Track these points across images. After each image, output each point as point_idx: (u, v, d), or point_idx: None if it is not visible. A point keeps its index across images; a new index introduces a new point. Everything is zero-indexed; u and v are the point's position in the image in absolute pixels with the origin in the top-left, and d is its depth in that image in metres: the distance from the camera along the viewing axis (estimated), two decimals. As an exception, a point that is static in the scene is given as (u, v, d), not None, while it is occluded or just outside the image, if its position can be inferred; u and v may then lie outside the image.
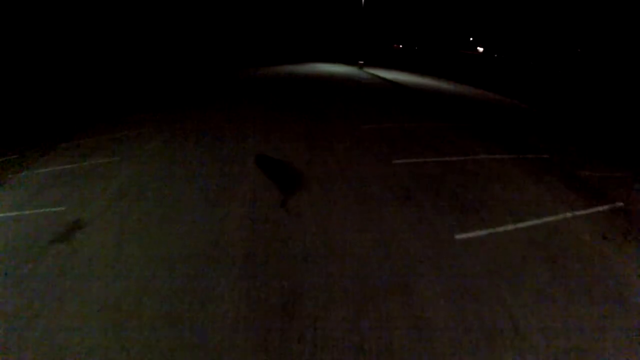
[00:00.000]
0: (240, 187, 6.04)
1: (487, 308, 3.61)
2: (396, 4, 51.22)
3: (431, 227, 4.98)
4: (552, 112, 14.28)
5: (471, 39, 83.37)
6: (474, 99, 15.85)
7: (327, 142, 8.29)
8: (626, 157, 8.33)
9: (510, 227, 5.04)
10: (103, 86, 14.79)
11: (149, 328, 3.33)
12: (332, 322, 3.40)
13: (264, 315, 3.47)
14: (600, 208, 5.67)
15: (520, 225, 5.11)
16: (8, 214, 5.64)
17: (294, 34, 40.22)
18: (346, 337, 3.25)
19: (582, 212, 5.52)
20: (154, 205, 5.56)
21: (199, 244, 4.59)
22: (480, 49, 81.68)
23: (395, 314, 3.52)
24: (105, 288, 3.86)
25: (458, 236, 4.79)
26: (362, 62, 25.16)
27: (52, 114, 11.65)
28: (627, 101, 18.15)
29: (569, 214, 5.43)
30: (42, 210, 5.61)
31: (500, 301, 3.71)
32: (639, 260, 4.47)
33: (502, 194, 5.98)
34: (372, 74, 22.34)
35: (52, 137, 9.14)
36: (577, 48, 43.29)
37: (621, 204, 5.82)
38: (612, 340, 3.32)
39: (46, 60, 17.32)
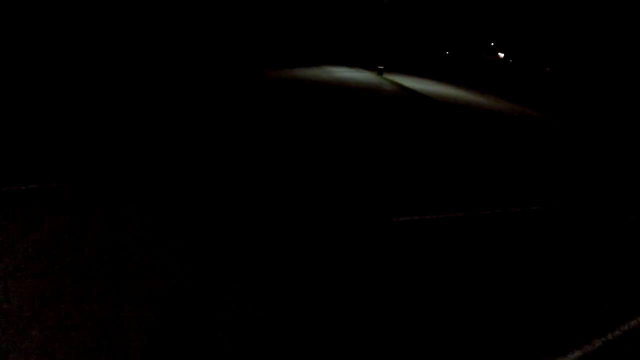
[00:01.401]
0: None
1: None
2: (415, 7, 47.28)
3: None
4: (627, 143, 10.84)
5: (492, 44, 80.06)
6: (540, 128, 12.20)
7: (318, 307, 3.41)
8: None
9: None
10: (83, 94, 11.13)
11: None
12: None
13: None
14: None
15: None
16: None
17: (310, 32, 36.52)
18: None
19: None
20: None
21: None
22: (501, 55, 78.34)
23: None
24: None
25: None
26: (382, 67, 21.55)
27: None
28: None
29: None
30: None
31: None
32: None
33: None
34: (394, 82, 18.74)
35: None
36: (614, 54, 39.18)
37: None
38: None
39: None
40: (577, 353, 2.86)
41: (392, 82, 19.07)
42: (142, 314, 2.74)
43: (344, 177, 5.92)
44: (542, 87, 29.30)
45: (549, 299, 3.53)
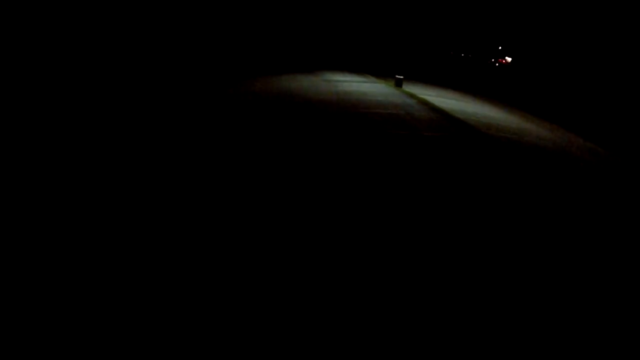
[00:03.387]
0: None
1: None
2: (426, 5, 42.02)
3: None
4: None
5: (500, 47, 75.91)
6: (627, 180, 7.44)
7: None
8: None
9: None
10: None
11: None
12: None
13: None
14: None
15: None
16: None
17: (307, 30, 30.97)
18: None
19: None
20: None
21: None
22: (509, 59, 74.33)
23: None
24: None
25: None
26: (401, 76, 16.59)
27: None
28: None
29: None
30: None
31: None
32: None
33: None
34: (423, 101, 13.78)
35: None
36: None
37: None
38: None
39: None
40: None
41: (419, 99, 14.10)
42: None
43: None
44: (578, 102, 24.80)
45: None
